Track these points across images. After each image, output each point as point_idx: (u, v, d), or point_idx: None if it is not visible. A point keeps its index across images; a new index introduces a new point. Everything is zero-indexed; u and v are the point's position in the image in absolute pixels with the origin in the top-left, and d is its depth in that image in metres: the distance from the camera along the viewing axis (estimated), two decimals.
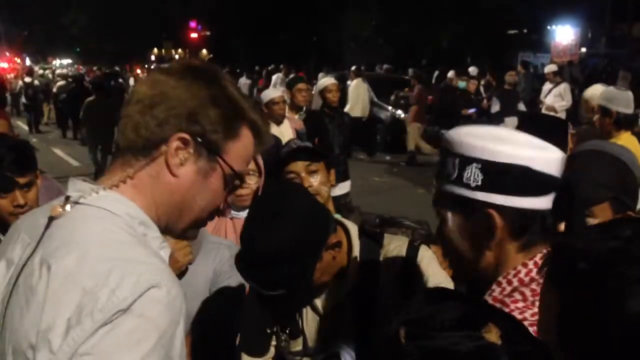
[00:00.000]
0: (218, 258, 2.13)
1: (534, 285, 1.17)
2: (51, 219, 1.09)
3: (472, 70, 14.23)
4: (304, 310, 1.76)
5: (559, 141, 2.48)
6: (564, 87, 10.79)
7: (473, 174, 1.18)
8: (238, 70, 21.95)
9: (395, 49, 24.81)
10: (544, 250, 1.19)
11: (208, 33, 38.44)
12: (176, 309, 1.01)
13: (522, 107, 9.64)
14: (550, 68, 11.54)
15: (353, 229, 1.76)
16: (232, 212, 2.54)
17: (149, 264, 1.02)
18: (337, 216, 1.95)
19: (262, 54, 27.74)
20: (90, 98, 10.63)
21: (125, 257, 1.02)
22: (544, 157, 1.18)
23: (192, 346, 2.02)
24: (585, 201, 1.64)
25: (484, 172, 1.17)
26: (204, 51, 39.80)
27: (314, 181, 2.26)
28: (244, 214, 2.49)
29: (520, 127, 3.00)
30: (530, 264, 1.20)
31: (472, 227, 1.22)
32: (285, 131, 5.73)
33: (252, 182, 2.50)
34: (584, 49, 21.24)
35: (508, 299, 1.20)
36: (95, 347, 0.95)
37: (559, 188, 1.19)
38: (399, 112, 13.82)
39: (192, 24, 38.45)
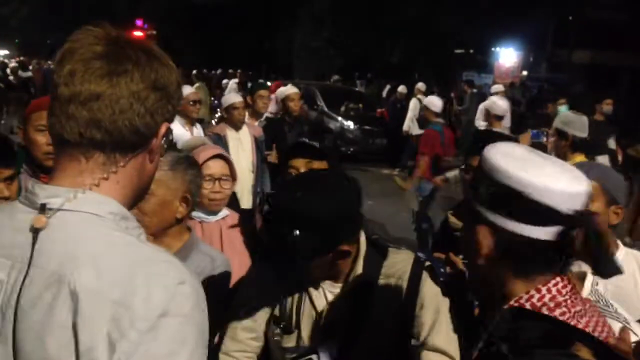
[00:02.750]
0: (200, 269, 2.07)
1: (544, 310, 1.17)
2: (36, 231, 1.02)
3: (421, 86, 14.49)
4: (302, 306, 1.77)
5: None
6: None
7: (482, 189, 1.20)
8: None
9: (345, 61, 25.05)
10: (558, 278, 1.19)
11: (154, 32, 37.80)
12: (201, 297, 1.04)
13: (612, 144, 8.44)
14: (497, 88, 11.86)
15: (363, 239, 1.79)
16: (202, 215, 2.53)
17: (165, 262, 1.03)
18: None
19: (210, 57, 27.49)
20: None
21: (138, 259, 1.02)
22: (547, 187, 1.14)
23: None
24: None
25: (491, 191, 1.18)
26: None
27: None
28: (213, 218, 2.53)
29: (474, 144, 3.07)
30: (544, 290, 1.18)
31: (471, 240, 1.23)
32: (243, 137, 5.65)
33: (226, 187, 2.54)
34: (525, 72, 22.00)
35: None
36: (146, 356, 0.94)
37: (564, 222, 1.15)
38: (349, 123, 13.96)
39: (139, 22, 37.74)
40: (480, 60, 23.69)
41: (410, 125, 12.61)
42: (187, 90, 5.99)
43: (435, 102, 7.56)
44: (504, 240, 1.18)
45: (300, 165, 2.29)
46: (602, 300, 1.74)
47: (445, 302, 1.73)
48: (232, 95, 5.78)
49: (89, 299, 0.96)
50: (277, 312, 1.81)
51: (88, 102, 1.04)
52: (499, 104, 6.54)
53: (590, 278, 1.80)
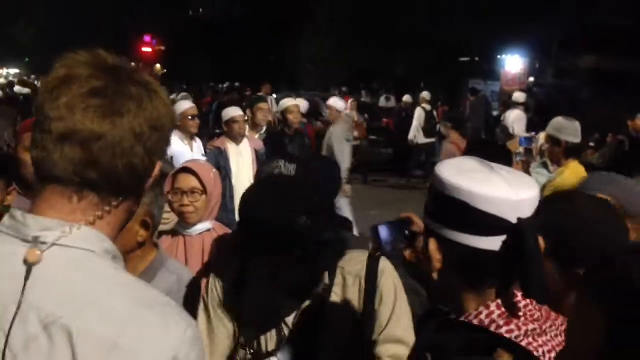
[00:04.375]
0: (167, 289, 2.05)
1: (492, 328, 1.13)
2: (29, 265, 0.94)
3: (426, 95, 14.50)
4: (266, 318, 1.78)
5: None
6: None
7: (430, 200, 1.20)
8: (185, 87, 21.76)
9: (351, 72, 25.14)
10: (509, 295, 1.15)
11: (162, 48, 38.10)
12: (203, 343, 1.04)
13: None
14: (518, 98, 11.17)
15: None
16: (183, 229, 2.60)
17: (169, 305, 1.00)
18: None
19: (217, 72, 27.68)
20: None
21: (143, 301, 0.97)
22: (487, 195, 1.10)
23: None
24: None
25: (435, 202, 1.18)
26: (158, 66, 39.37)
27: None
28: (193, 231, 2.58)
29: (470, 153, 3.05)
30: (493, 306, 1.15)
31: (425, 251, 1.21)
32: (244, 150, 5.69)
33: (195, 200, 2.57)
34: (532, 79, 21.94)
35: None
36: None
37: (507, 231, 1.11)
38: (355, 133, 13.97)
39: (147, 39, 38.06)
40: (486, 68, 23.65)
41: (416, 134, 12.62)
42: (186, 105, 6.05)
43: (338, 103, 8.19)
44: (453, 253, 1.15)
45: None
46: None
47: (402, 294, 1.78)
48: (232, 109, 5.82)
49: (91, 343, 0.89)
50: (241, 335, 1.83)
51: (87, 142, 0.97)
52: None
53: None
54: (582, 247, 1.39)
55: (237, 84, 21.09)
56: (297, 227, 1.55)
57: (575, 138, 4.23)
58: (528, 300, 1.15)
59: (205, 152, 5.87)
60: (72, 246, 0.97)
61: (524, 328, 1.10)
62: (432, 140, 12.65)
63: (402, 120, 14.07)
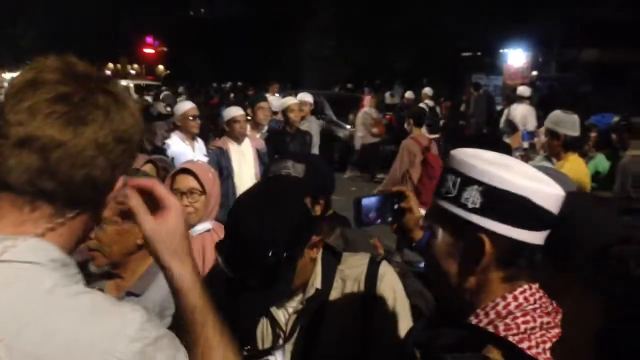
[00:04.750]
0: (166, 292, 2.07)
1: (508, 320, 1.15)
2: None
3: (428, 90, 14.47)
4: (264, 327, 1.76)
5: None
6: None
7: (473, 195, 1.16)
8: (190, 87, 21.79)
9: (353, 69, 25.12)
10: (525, 286, 1.18)
11: (165, 49, 38.18)
12: (175, 341, 1.01)
13: None
14: (523, 91, 11.02)
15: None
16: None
17: (118, 306, 0.96)
18: None
19: (219, 71, 27.70)
20: None
21: (89, 309, 0.92)
22: (544, 191, 1.15)
23: None
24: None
25: (483, 196, 1.15)
26: (161, 67, 39.46)
27: None
28: (194, 231, 2.58)
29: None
30: (510, 297, 1.18)
31: (461, 249, 1.20)
32: (246, 150, 5.69)
33: (194, 201, 2.59)
34: (535, 72, 21.89)
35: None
36: None
37: (554, 226, 1.16)
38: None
39: (149, 40, 38.15)
40: (488, 63, 23.61)
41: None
42: (187, 105, 6.05)
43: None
44: (502, 247, 1.16)
45: None
46: None
47: (402, 298, 1.75)
48: (233, 109, 5.82)
49: None
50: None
51: (46, 149, 0.92)
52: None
53: None
54: (579, 243, 1.40)
55: (239, 84, 21.13)
56: (272, 245, 1.52)
57: (574, 131, 4.26)
58: (542, 293, 1.18)
59: (208, 152, 5.88)
60: (14, 260, 0.92)
61: (539, 320, 1.13)
62: (436, 136, 12.61)
63: (403, 117, 14.03)
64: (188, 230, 1.14)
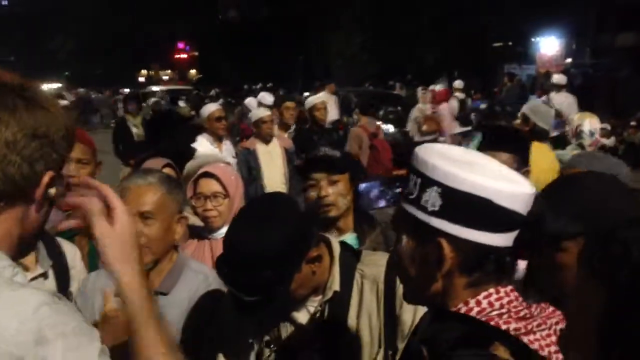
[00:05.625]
0: (194, 288, 2.08)
1: None
2: None
3: (458, 83, 14.29)
4: (285, 329, 1.77)
5: (520, 156, 2.50)
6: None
7: (432, 197, 1.09)
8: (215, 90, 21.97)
9: (381, 66, 25.00)
10: (491, 290, 1.11)
11: (196, 53, 38.61)
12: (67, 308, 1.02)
13: None
14: (559, 79, 10.43)
15: (336, 245, 1.79)
16: (210, 233, 2.63)
17: (15, 296, 0.99)
18: (335, 236, 1.99)
19: (249, 74, 27.89)
20: None
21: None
22: (508, 191, 1.07)
23: None
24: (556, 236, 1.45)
25: (443, 198, 1.08)
26: (193, 71, 39.94)
27: (332, 191, 2.29)
28: (218, 234, 2.59)
29: (482, 142, 2.99)
30: (472, 303, 1.10)
31: (422, 254, 1.13)
32: (274, 150, 5.74)
33: (218, 204, 2.59)
34: (569, 60, 21.45)
35: None
36: None
37: (523, 225, 1.09)
38: (388, 126, 13.89)
39: (180, 45, 38.65)
40: (520, 52, 23.24)
41: (450, 124, 12.45)
42: (212, 107, 6.11)
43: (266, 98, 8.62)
44: (462, 252, 1.10)
45: (320, 177, 2.29)
46: None
47: None
48: (260, 110, 5.87)
49: None
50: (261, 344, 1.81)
51: None
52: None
53: None
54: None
55: (269, 84, 21.23)
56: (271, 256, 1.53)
57: (545, 124, 4.42)
58: (513, 297, 1.11)
59: (236, 153, 5.93)
60: None
61: (504, 327, 1.06)
62: (468, 128, 12.46)
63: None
64: (138, 237, 1.17)
